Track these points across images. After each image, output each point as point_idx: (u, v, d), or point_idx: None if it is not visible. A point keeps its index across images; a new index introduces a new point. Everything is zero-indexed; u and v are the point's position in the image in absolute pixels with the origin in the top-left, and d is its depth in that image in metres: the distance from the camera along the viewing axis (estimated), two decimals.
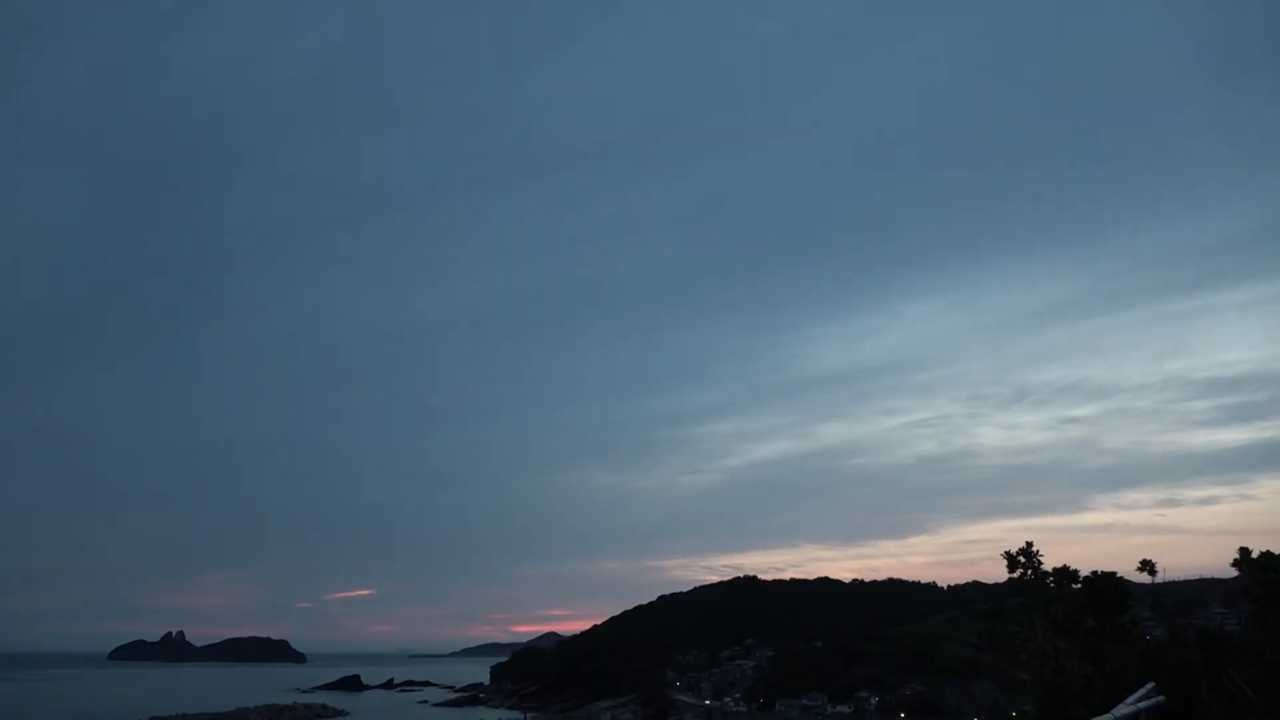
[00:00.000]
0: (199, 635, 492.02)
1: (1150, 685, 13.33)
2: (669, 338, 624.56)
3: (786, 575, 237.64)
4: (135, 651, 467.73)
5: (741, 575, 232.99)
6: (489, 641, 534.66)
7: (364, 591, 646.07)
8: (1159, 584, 19.83)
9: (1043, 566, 19.38)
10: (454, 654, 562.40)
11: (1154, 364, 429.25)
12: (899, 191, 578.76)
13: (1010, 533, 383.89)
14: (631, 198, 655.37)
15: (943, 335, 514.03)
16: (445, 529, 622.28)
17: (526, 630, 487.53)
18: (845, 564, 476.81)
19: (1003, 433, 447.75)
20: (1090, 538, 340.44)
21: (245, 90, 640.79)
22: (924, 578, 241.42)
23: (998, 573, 20.61)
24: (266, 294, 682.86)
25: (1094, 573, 18.97)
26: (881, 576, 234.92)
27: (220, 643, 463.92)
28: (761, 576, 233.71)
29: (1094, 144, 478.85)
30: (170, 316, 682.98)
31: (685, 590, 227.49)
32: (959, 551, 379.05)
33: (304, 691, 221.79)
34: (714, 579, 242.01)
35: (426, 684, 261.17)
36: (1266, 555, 17.45)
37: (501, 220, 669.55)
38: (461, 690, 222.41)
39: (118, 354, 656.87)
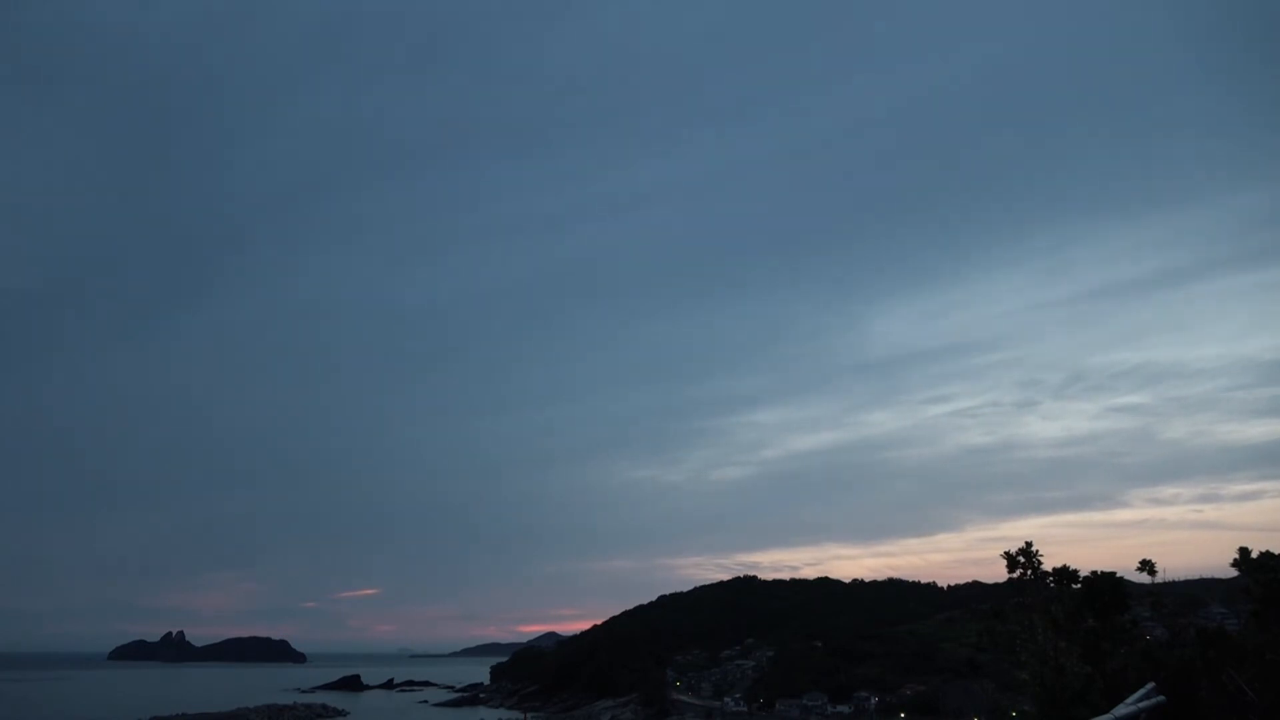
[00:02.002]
0: (202, 635, 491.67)
1: (1150, 685, 13.33)
2: (707, 319, 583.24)
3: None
4: (135, 651, 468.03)
5: (743, 575, 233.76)
6: (489, 641, 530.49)
7: (370, 591, 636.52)
8: (1159, 584, 19.85)
9: (1042, 566, 19.39)
10: (454, 654, 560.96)
11: (1229, 343, 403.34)
12: (975, 152, 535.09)
13: (1041, 530, 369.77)
14: (665, 161, 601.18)
15: (1009, 313, 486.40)
16: (453, 526, 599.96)
17: (533, 630, 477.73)
18: (866, 562, 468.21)
19: (1052, 423, 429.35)
20: (1124, 535, 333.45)
21: (250, 33, 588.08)
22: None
23: (999, 573, 20.65)
24: (269, 266, 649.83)
25: (1094, 572, 18.98)
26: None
27: (220, 642, 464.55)
28: (773, 576, 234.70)
29: (1187, 104, 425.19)
30: (168, 295, 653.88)
31: (685, 590, 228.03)
32: (982, 550, 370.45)
33: (304, 691, 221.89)
34: (727, 578, 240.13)
35: (427, 684, 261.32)
36: (1266, 555, 17.47)
37: (518, 187, 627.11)
38: (461, 690, 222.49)
39: (111, 339, 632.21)
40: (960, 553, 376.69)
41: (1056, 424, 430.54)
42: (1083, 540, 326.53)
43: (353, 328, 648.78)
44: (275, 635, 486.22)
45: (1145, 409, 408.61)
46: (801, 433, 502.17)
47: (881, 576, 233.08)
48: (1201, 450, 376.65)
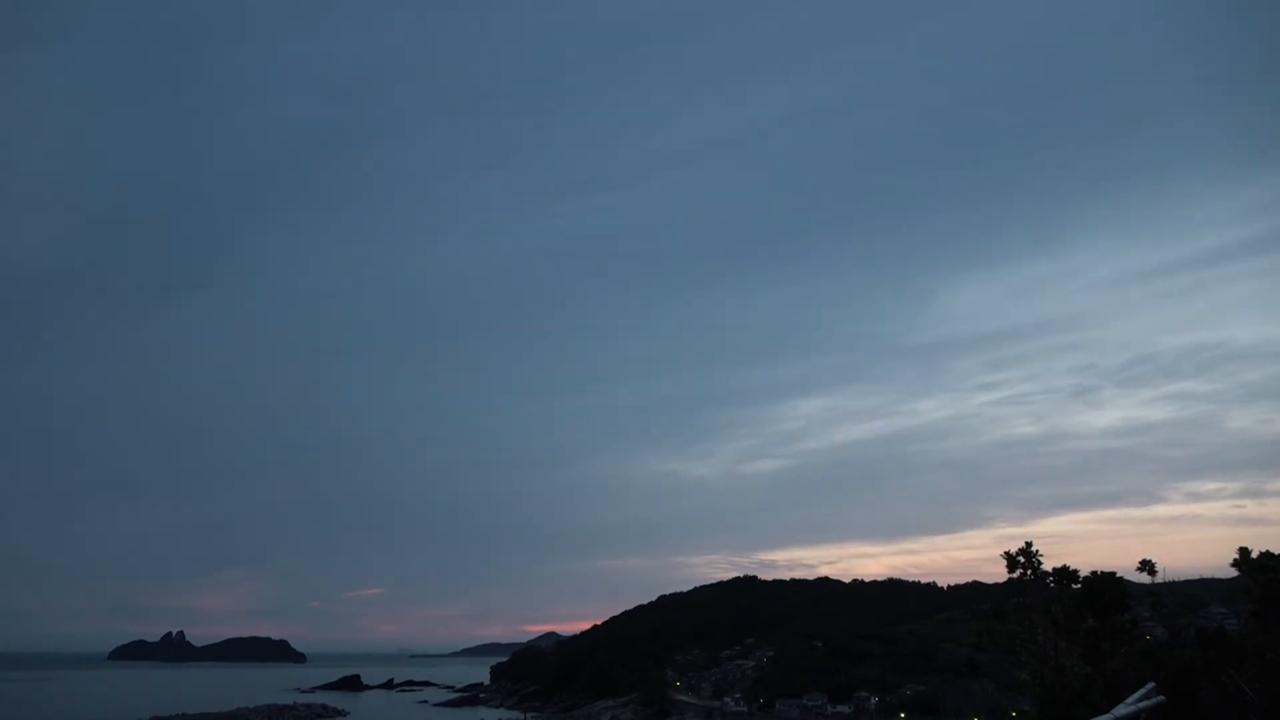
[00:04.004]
0: (204, 635, 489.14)
1: (1150, 685, 13.33)
2: (752, 298, 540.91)
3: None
4: (135, 651, 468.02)
5: (743, 575, 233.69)
6: (490, 641, 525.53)
7: (374, 590, 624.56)
8: (1159, 584, 19.83)
9: (1042, 566, 19.40)
10: (454, 654, 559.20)
11: None
12: (1050, 111, 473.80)
13: (1072, 526, 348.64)
14: (699, 119, 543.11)
15: (1084, 290, 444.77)
16: (462, 524, 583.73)
17: (542, 630, 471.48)
18: (887, 560, 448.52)
19: (1104, 412, 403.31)
20: (1157, 532, 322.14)
21: None
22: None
23: (1000, 572, 20.63)
24: (272, 248, 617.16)
25: (1094, 572, 19.00)
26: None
27: (220, 642, 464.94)
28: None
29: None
30: (167, 281, 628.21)
31: (685, 590, 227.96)
32: (1006, 548, 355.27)
33: (304, 691, 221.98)
34: (731, 578, 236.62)
35: (427, 684, 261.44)
36: (1266, 555, 17.47)
37: (530, 149, 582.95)
38: (461, 690, 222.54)
39: (108, 328, 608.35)
40: (983, 550, 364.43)
41: (1112, 413, 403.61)
42: (1112, 537, 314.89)
43: (356, 312, 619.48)
44: (281, 635, 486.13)
45: (1211, 396, 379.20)
46: (846, 423, 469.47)
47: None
48: (1258, 441, 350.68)
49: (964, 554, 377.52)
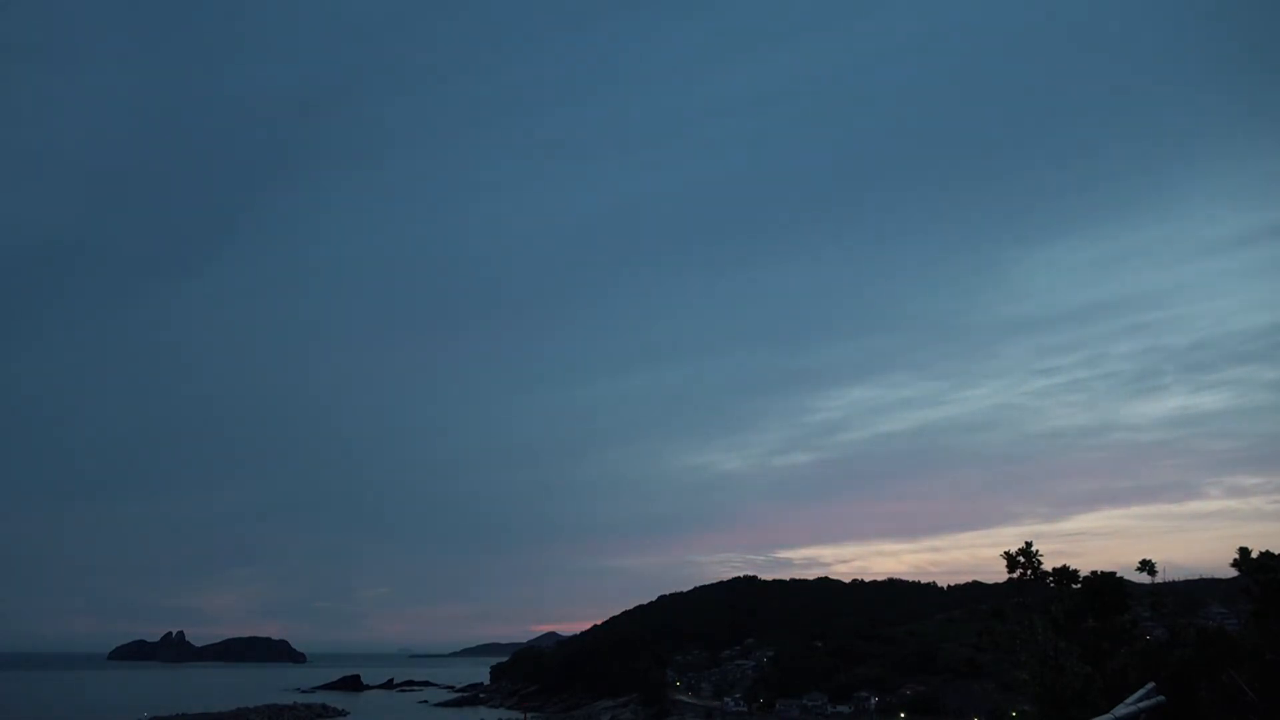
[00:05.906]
0: (206, 635, 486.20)
1: (1150, 685, 13.34)
2: (800, 273, 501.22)
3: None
4: (135, 651, 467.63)
5: (743, 575, 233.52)
6: (490, 641, 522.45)
7: (380, 590, 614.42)
8: (1159, 584, 19.86)
9: (1042, 566, 19.41)
10: (455, 654, 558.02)
11: None
12: (1165, 52, 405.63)
13: (1106, 523, 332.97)
14: (740, 69, 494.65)
15: (1169, 261, 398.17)
16: (471, 521, 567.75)
17: (545, 629, 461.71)
18: (908, 558, 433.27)
19: (1160, 400, 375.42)
20: (1190, 528, 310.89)
21: None
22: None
23: (1000, 572, 20.61)
24: (275, 217, 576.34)
25: (1093, 573, 19.02)
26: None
27: (220, 642, 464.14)
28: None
29: None
30: (168, 253, 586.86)
31: (686, 590, 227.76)
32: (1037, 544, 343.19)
33: (304, 691, 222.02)
34: (733, 577, 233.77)
35: (426, 684, 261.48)
36: (1266, 555, 17.49)
37: (531, 104, 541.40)
38: (461, 690, 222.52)
39: (102, 315, 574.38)
40: (1009, 548, 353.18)
41: (1170, 401, 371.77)
42: (1141, 534, 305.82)
43: (366, 295, 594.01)
44: (284, 635, 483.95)
45: (1276, 383, 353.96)
46: (889, 413, 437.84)
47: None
48: None
49: (989, 552, 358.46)
